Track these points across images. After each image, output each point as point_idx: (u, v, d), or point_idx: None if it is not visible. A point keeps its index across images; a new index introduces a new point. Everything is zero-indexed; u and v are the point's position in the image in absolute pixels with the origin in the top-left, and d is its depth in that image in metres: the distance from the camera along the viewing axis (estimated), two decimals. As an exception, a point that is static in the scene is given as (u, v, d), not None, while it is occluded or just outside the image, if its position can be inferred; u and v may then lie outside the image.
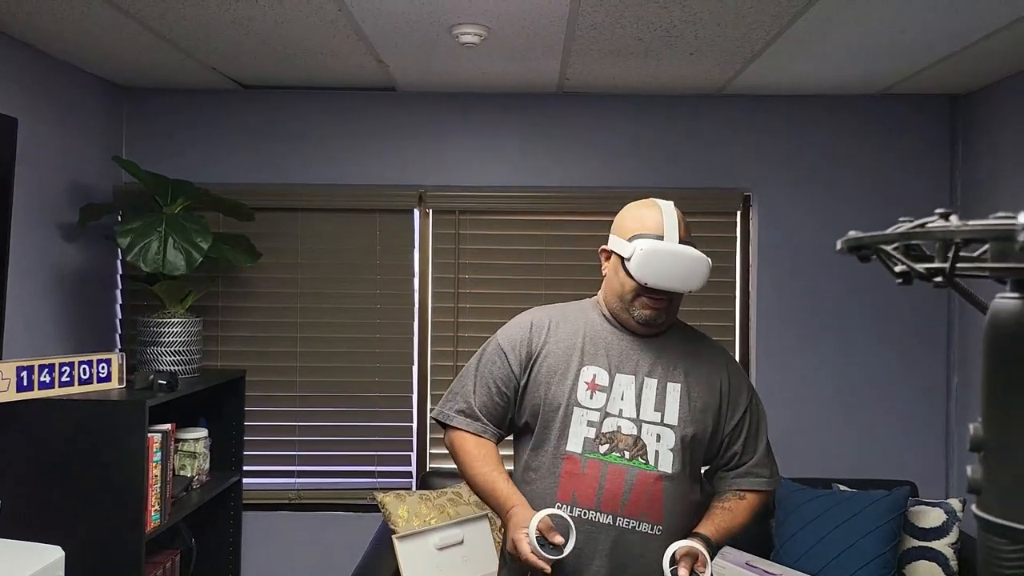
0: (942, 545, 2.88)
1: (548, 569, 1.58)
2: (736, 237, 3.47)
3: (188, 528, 3.11)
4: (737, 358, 3.33)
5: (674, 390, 1.73)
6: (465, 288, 3.52)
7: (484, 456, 1.79)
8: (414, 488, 3.46)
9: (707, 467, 1.85)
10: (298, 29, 2.62)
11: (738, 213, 3.46)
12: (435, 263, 3.52)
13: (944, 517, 2.91)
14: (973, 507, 0.51)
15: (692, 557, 1.62)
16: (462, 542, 2.94)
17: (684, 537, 1.67)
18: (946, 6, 2.34)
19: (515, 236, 3.51)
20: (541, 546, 1.58)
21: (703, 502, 1.80)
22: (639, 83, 3.24)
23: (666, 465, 1.69)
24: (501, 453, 1.84)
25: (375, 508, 3.26)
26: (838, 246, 0.58)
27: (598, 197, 3.44)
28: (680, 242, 1.69)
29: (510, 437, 1.90)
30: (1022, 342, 0.48)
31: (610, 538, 1.68)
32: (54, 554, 1.99)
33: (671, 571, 1.60)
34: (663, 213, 1.72)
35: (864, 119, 3.41)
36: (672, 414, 1.71)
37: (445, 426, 1.89)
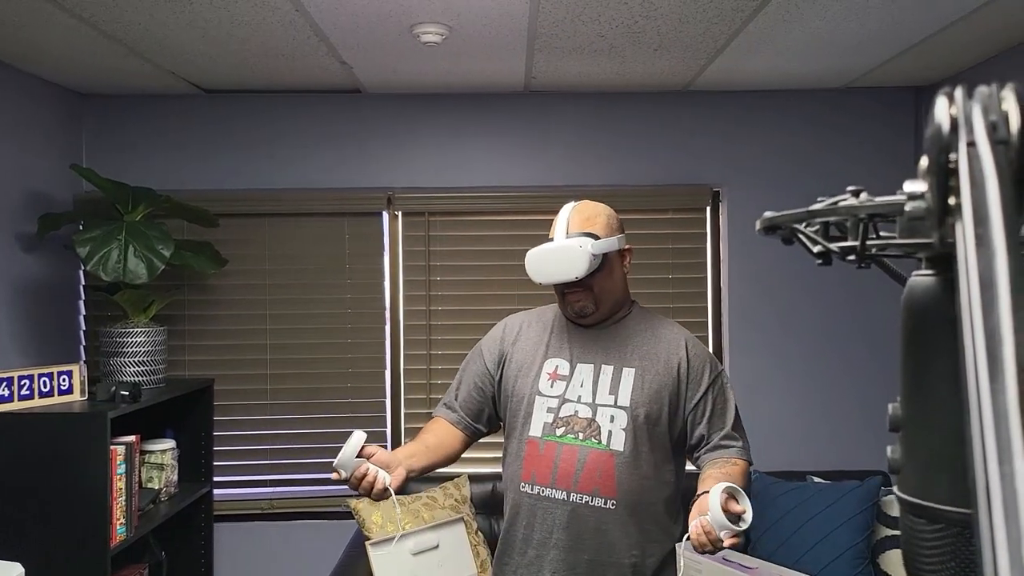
0: (916, 534, 2.89)
1: (340, 476, 1.68)
2: (706, 233, 3.47)
3: (158, 541, 3.06)
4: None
5: (628, 374, 1.83)
6: (437, 290, 3.49)
7: (425, 432, 1.95)
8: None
9: (686, 450, 1.90)
10: (256, 31, 2.59)
11: (707, 209, 3.46)
12: (406, 266, 3.49)
13: (917, 506, 2.92)
14: (894, 488, 0.50)
15: (734, 497, 1.59)
16: (437, 546, 2.91)
17: (647, 512, 1.75)
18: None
19: (486, 237, 3.49)
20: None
21: (676, 480, 1.86)
22: (605, 80, 3.24)
23: (618, 444, 1.79)
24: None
25: (348, 515, 3.23)
26: (756, 226, 0.56)
27: (569, 195, 3.33)
28: (567, 236, 1.78)
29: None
30: (936, 320, 0.46)
31: (566, 512, 1.79)
32: (13, 571, 1.95)
33: (726, 514, 1.56)
34: (558, 216, 1.85)
35: (830, 113, 3.42)
36: (625, 396, 1.81)
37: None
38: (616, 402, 1.81)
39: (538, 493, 1.82)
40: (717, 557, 2.94)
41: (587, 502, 1.78)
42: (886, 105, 3.42)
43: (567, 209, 1.86)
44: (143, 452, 2.87)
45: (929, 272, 0.48)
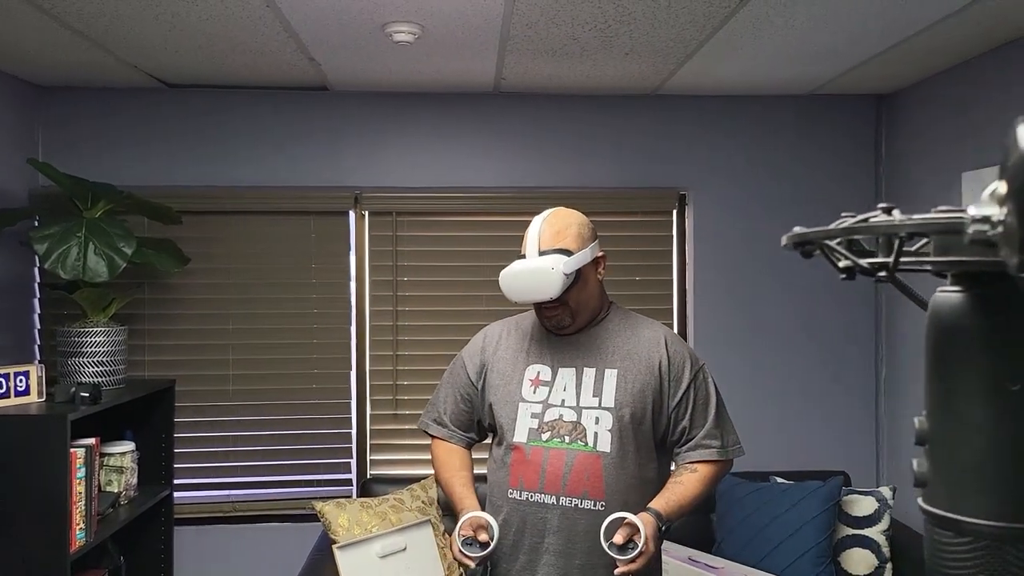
0: (875, 532, 2.96)
1: (471, 565, 1.76)
2: (673, 236, 3.50)
3: (116, 546, 2.98)
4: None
5: (611, 375, 1.85)
6: (404, 291, 3.47)
7: (448, 462, 1.99)
8: (354, 496, 3.39)
9: (668, 446, 1.93)
10: (225, 26, 2.54)
11: (674, 212, 3.50)
12: (372, 266, 3.46)
13: (876, 505, 2.99)
14: (919, 500, 0.50)
15: (631, 527, 1.70)
16: (405, 549, 2.89)
17: (635, 513, 1.76)
18: (870, 9, 2.40)
19: (454, 237, 3.47)
20: (470, 545, 1.76)
21: (659, 478, 1.88)
22: (575, 83, 3.25)
23: (604, 445, 1.80)
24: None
25: (314, 518, 3.18)
26: (783, 242, 0.57)
27: (537, 197, 3.42)
28: (540, 253, 1.79)
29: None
30: (963, 336, 0.47)
31: (556, 516, 1.80)
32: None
33: (608, 543, 1.70)
34: (529, 230, 1.86)
35: (795, 119, 3.48)
36: (609, 397, 1.82)
37: (429, 435, 2.08)
38: (600, 404, 1.82)
39: (527, 499, 1.82)
40: (683, 557, 2.98)
41: (576, 505, 1.79)
42: (849, 112, 3.49)
43: (537, 223, 1.85)
44: (102, 455, 2.79)
45: (956, 289, 0.48)
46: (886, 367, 3.48)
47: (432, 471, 3.22)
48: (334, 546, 2.78)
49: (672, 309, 3.50)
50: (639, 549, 1.67)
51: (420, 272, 3.47)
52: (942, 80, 3.08)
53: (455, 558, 1.78)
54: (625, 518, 1.71)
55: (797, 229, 0.55)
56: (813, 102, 3.47)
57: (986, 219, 0.37)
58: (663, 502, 1.79)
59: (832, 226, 0.51)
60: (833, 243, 0.51)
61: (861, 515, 2.99)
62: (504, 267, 3.38)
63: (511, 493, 1.85)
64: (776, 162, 3.47)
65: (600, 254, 1.88)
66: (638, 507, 1.79)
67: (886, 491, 3.02)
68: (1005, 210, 0.35)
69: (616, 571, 1.68)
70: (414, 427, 3.43)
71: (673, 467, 1.93)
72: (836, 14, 2.45)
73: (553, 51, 2.81)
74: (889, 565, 2.93)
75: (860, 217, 0.49)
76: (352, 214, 3.46)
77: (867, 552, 2.94)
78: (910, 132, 3.30)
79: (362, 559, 2.82)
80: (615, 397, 1.82)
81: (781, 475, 3.19)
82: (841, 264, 0.52)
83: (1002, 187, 0.35)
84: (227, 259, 3.40)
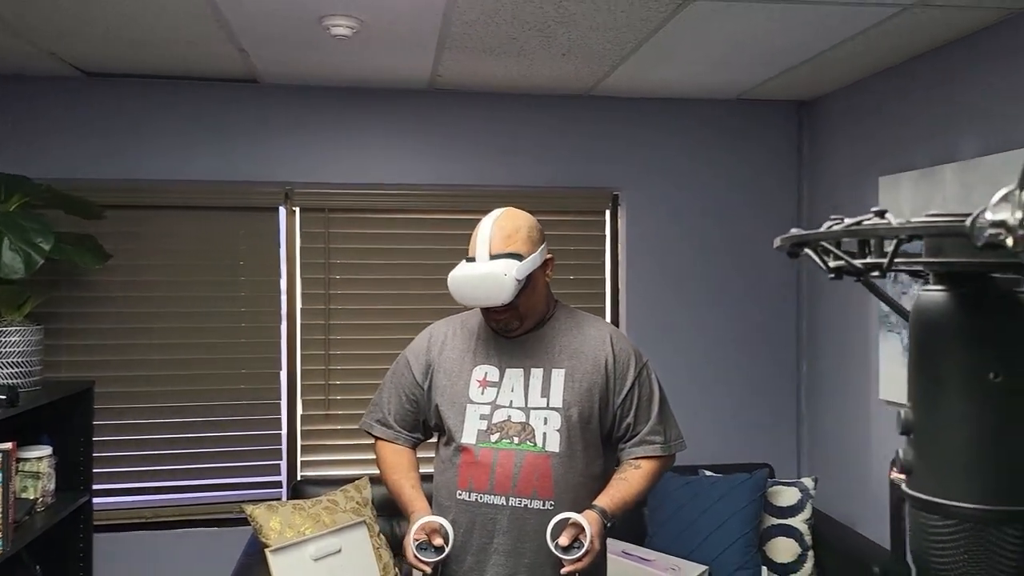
0: (797, 521, 3.07)
1: (427, 570, 1.75)
2: (606, 235, 3.56)
3: (32, 556, 2.85)
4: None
5: (558, 375, 1.85)
6: (336, 289, 3.42)
7: (396, 464, 1.96)
8: (285, 498, 3.32)
9: (612, 442, 1.95)
10: (150, 13, 2.45)
11: (607, 212, 3.55)
12: (303, 263, 3.40)
13: (799, 495, 3.11)
14: (904, 487, 0.53)
15: (576, 527, 1.72)
16: (340, 551, 2.85)
17: (582, 511, 1.77)
18: (794, 21, 2.49)
19: (388, 235, 3.44)
20: (425, 549, 1.75)
21: (605, 474, 1.90)
22: (511, 82, 3.26)
23: (553, 445, 1.81)
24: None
25: (243, 522, 3.10)
26: (776, 243, 0.59)
27: (472, 195, 3.43)
28: (491, 256, 1.77)
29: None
30: (947, 331, 0.50)
31: (506, 517, 1.80)
32: None
33: (554, 544, 1.71)
34: (479, 232, 1.82)
35: (722, 122, 3.58)
36: (557, 397, 1.83)
37: (372, 436, 2.04)
38: (549, 404, 1.82)
39: (476, 500, 1.82)
40: (617, 551, 3.03)
41: (526, 505, 1.79)
42: (773, 117, 3.61)
43: (488, 225, 1.82)
44: (18, 460, 2.66)
45: (939, 288, 0.51)
46: (807, 363, 3.62)
47: (365, 472, 3.26)
48: (267, 550, 2.72)
49: (605, 308, 3.56)
50: (585, 548, 1.69)
51: (353, 270, 3.43)
52: (859, 88, 3.22)
53: (409, 563, 1.76)
54: (570, 518, 1.72)
55: (794, 231, 0.57)
56: (740, 107, 3.58)
57: (1002, 223, 0.40)
58: (608, 499, 1.81)
59: (824, 228, 0.53)
60: (830, 244, 0.53)
61: (785, 505, 3.10)
62: (440, 265, 3.41)
63: (460, 494, 1.84)
64: (705, 164, 3.57)
65: (548, 256, 1.89)
66: (586, 504, 1.81)
67: (808, 482, 3.14)
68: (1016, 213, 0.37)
69: (563, 571, 1.70)
70: (347, 427, 3.40)
71: (617, 463, 1.96)
72: (763, 25, 2.54)
73: (491, 50, 2.82)
74: (811, 552, 3.05)
75: (853, 220, 0.51)
76: (283, 210, 3.38)
77: (791, 541, 3.06)
78: (830, 137, 3.44)
79: (296, 562, 2.77)
80: (563, 397, 1.83)
81: (710, 468, 3.28)
82: (832, 264, 0.55)
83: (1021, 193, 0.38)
84: (151, 256, 3.28)
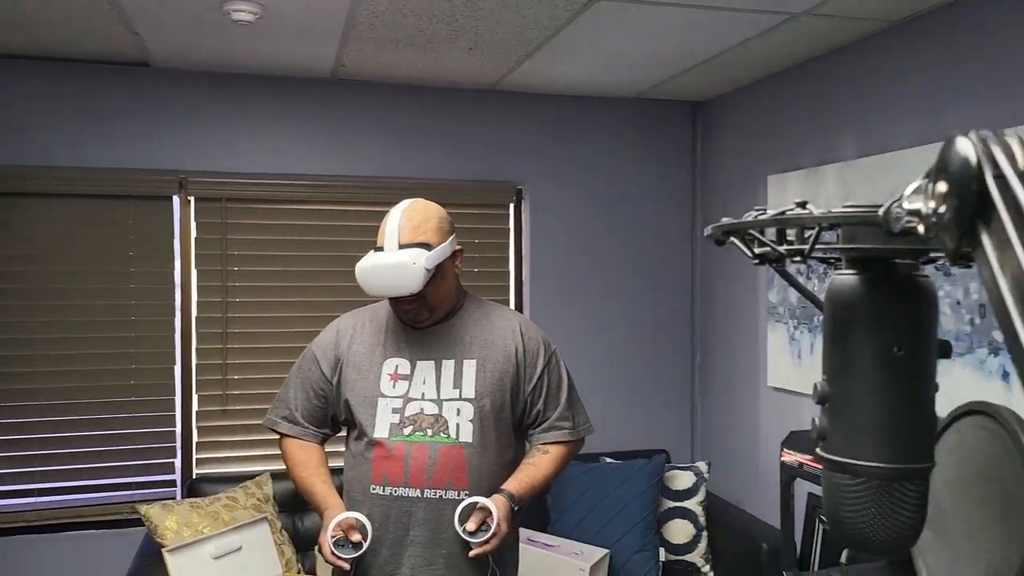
0: (693, 504, 3.22)
1: (346, 567, 1.74)
2: (510, 229, 3.61)
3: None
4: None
5: (470, 366, 1.87)
6: (234, 281, 3.33)
7: (305, 460, 1.93)
8: (180, 497, 3.22)
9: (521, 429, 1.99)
10: (39, -10, 2.33)
11: (511, 205, 3.60)
12: (199, 255, 3.29)
13: (694, 479, 3.26)
14: (818, 451, 0.59)
15: (484, 511, 1.75)
16: (241, 548, 2.79)
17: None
18: (691, 23, 2.61)
19: (289, 226, 3.38)
20: (343, 546, 1.74)
21: (518, 461, 1.93)
22: (416, 74, 3.26)
23: (467, 435, 1.83)
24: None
25: (136, 523, 3.00)
26: (707, 231, 0.63)
27: (376, 187, 3.41)
28: (400, 246, 1.76)
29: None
30: (857, 311, 0.56)
31: (422, 509, 1.81)
32: None
33: (462, 528, 1.74)
34: (388, 222, 1.81)
35: (622, 120, 3.69)
36: (469, 388, 1.85)
37: (277, 432, 2.00)
38: (461, 395, 1.84)
39: (390, 493, 1.82)
40: (523, 539, 3.09)
41: (441, 496, 1.80)
42: (669, 117, 3.75)
43: (397, 215, 1.80)
44: None
45: (851, 272, 0.57)
46: (700, 353, 3.78)
47: (265, 468, 3.19)
48: (163, 550, 2.64)
49: (509, 300, 3.61)
50: (492, 531, 1.72)
51: (252, 262, 3.34)
52: (751, 91, 3.39)
53: (327, 560, 1.75)
54: (478, 503, 1.75)
55: (725, 220, 0.62)
56: (638, 106, 3.70)
57: (916, 212, 0.45)
58: (516, 484, 1.84)
59: (755, 217, 0.58)
60: (757, 232, 0.58)
61: (681, 489, 3.24)
62: (343, 257, 3.38)
63: (374, 489, 1.83)
64: (605, 160, 3.67)
65: (458, 247, 1.89)
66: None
67: (703, 466, 3.29)
68: (944, 206, 0.43)
69: (470, 553, 1.73)
70: (245, 423, 3.32)
71: (528, 448, 2.00)
72: (662, 27, 2.64)
73: (398, 41, 2.81)
74: (705, 532, 3.20)
75: (777, 211, 0.56)
76: (177, 199, 3.27)
77: (686, 522, 3.20)
78: (722, 137, 3.61)
79: (194, 561, 2.69)
80: (475, 387, 1.85)
81: (610, 456, 3.38)
82: (756, 251, 0.60)
83: (941, 187, 0.43)
84: (34, 245, 3.11)
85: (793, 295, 3.05)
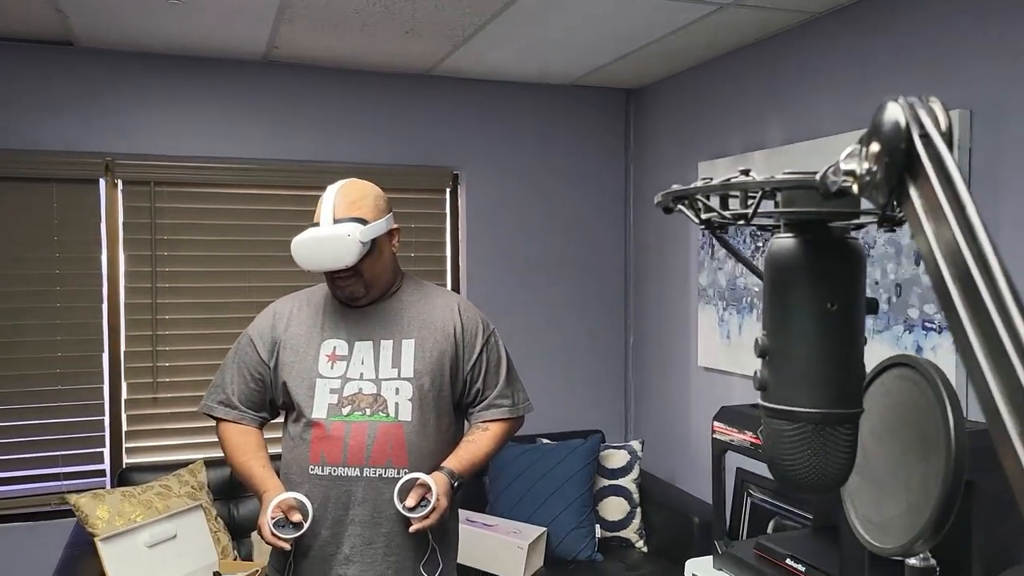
0: (627, 481, 3.31)
1: (286, 547, 1.75)
2: (447, 213, 3.63)
3: None
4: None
5: (408, 345, 1.88)
6: (164, 266, 3.26)
7: (243, 444, 1.92)
8: (109, 487, 3.15)
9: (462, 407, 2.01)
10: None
11: (448, 190, 3.62)
12: (127, 239, 3.21)
13: (628, 457, 3.35)
14: (759, 400, 0.64)
15: (423, 487, 1.78)
16: (175, 536, 2.75)
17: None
18: (626, 11, 2.67)
19: (221, 211, 3.32)
20: (283, 526, 1.75)
21: (458, 439, 1.96)
22: (352, 58, 3.24)
23: (406, 414, 1.84)
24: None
25: (62, 515, 2.93)
26: (657, 199, 0.67)
27: (310, 171, 3.38)
28: (335, 221, 1.79)
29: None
30: (795, 270, 0.61)
31: (361, 488, 1.82)
32: None
33: (401, 504, 1.76)
34: (324, 198, 1.84)
35: (557, 106, 3.74)
36: (408, 367, 1.86)
37: (214, 418, 1.98)
38: (400, 374, 1.85)
39: (329, 473, 1.82)
40: (462, 519, 3.13)
41: (380, 475, 1.81)
42: (603, 103, 3.82)
43: (332, 191, 1.83)
44: None
45: (789, 235, 0.62)
46: (633, 335, 3.88)
47: (199, 456, 3.15)
48: (97, 539, 2.58)
49: (446, 284, 3.63)
50: (431, 506, 1.75)
51: (183, 247, 3.28)
52: (682, 79, 3.48)
53: (267, 541, 1.74)
54: (417, 479, 1.78)
55: (675, 186, 0.66)
56: (573, 92, 3.75)
57: (851, 172, 0.50)
58: (455, 461, 1.87)
59: (698, 184, 0.62)
60: (702, 198, 0.62)
61: (616, 467, 3.33)
62: (277, 242, 3.34)
63: (312, 469, 1.83)
64: (540, 146, 3.72)
65: (395, 227, 1.91)
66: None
67: (636, 445, 3.39)
68: (876, 165, 0.48)
69: (410, 529, 1.75)
70: (177, 411, 3.27)
71: (467, 426, 2.04)
72: (595, 15, 2.70)
73: (333, 23, 2.79)
74: (639, 509, 3.29)
75: (726, 177, 0.61)
76: (103, 183, 3.18)
77: (621, 499, 3.29)
78: (654, 124, 3.70)
79: (128, 550, 2.64)
80: (414, 366, 1.86)
81: (546, 437, 3.45)
82: (703, 216, 0.64)
83: (874, 147, 0.48)
84: (-51, 229, 2.98)
85: (722, 278, 3.16)
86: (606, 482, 3.31)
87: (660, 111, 3.65)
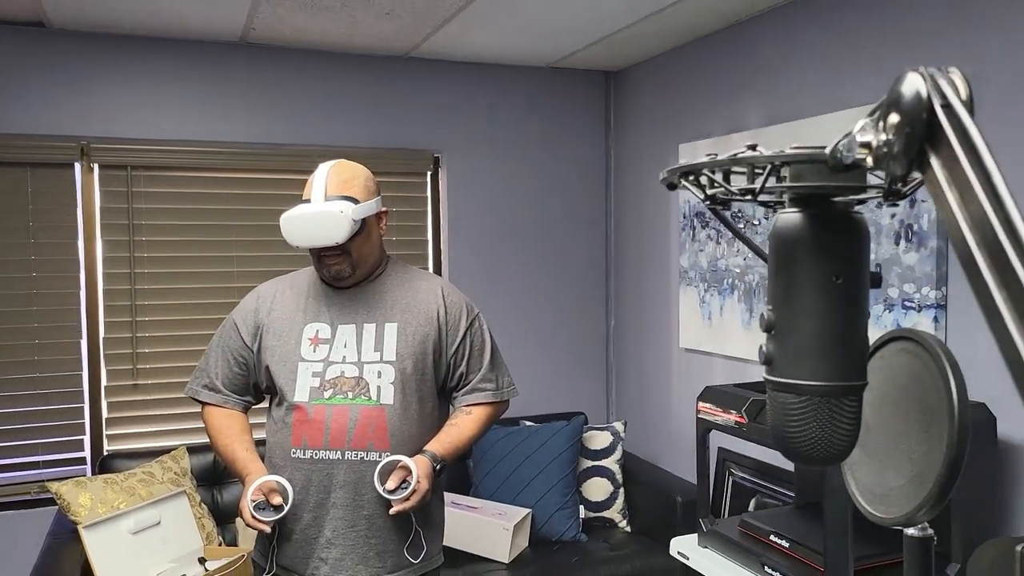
0: (610, 462, 3.34)
1: (267, 530, 1.74)
2: (427, 197, 3.61)
3: None
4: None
5: (391, 329, 1.88)
6: (142, 251, 3.22)
7: (227, 428, 1.92)
8: (90, 474, 3.12)
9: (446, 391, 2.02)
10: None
11: (428, 173, 3.60)
12: (104, 224, 3.17)
13: (611, 439, 3.37)
14: (764, 375, 0.65)
15: (404, 469, 1.78)
16: (160, 523, 2.74)
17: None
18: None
19: (200, 195, 3.29)
20: (263, 509, 1.75)
21: (440, 423, 1.96)
22: (330, 40, 3.20)
23: (388, 398, 1.84)
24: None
25: (43, 503, 2.91)
26: (663, 175, 0.68)
27: (289, 155, 3.35)
28: (327, 198, 1.78)
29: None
30: (801, 245, 0.62)
31: (342, 471, 1.82)
32: None
33: (381, 487, 1.76)
34: (315, 176, 1.84)
35: (537, 89, 3.73)
36: (391, 351, 1.86)
37: (199, 402, 1.99)
38: (382, 357, 1.85)
39: (311, 457, 1.83)
40: (447, 502, 3.14)
41: (362, 457, 1.81)
42: (583, 86, 3.82)
43: (324, 170, 1.83)
44: None
45: (794, 210, 0.63)
46: (614, 317, 3.90)
47: (181, 442, 3.13)
48: (80, 527, 2.56)
49: (428, 267, 3.62)
50: (411, 488, 1.75)
51: (161, 231, 3.24)
52: (662, 61, 3.48)
53: (248, 524, 1.74)
54: (399, 461, 1.78)
55: (682, 162, 0.66)
56: (553, 74, 3.74)
57: (866, 145, 0.51)
58: (438, 444, 1.87)
59: (708, 158, 0.63)
60: (710, 173, 0.63)
61: (599, 448, 3.36)
62: (257, 226, 3.32)
63: (294, 452, 1.83)
64: (521, 128, 3.71)
65: (383, 209, 1.92)
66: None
67: (619, 426, 3.41)
68: (896, 136, 0.48)
69: (391, 511, 1.75)
70: (158, 397, 3.24)
71: (452, 410, 2.03)
72: (583, -7, 2.69)
73: (312, 4, 2.76)
74: (621, 489, 3.32)
75: (733, 153, 0.61)
76: (78, 167, 3.13)
77: (604, 480, 3.32)
78: (635, 106, 3.70)
79: (112, 537, 2.63)
80: (396, 350, 1.86)
81: (529, 419, 3.46)
82: (708, 191, 0.65)
83: (893, 118, 0.49)
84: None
85: (704, 259, 3.18)
86: (589, 463, 3.34)
87: (640, 93, 3.65)
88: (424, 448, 1.85)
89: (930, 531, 0.74)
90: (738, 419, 2.15)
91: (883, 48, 2.42)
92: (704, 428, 2.28)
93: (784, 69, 2.80)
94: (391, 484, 1.76)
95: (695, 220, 3.24)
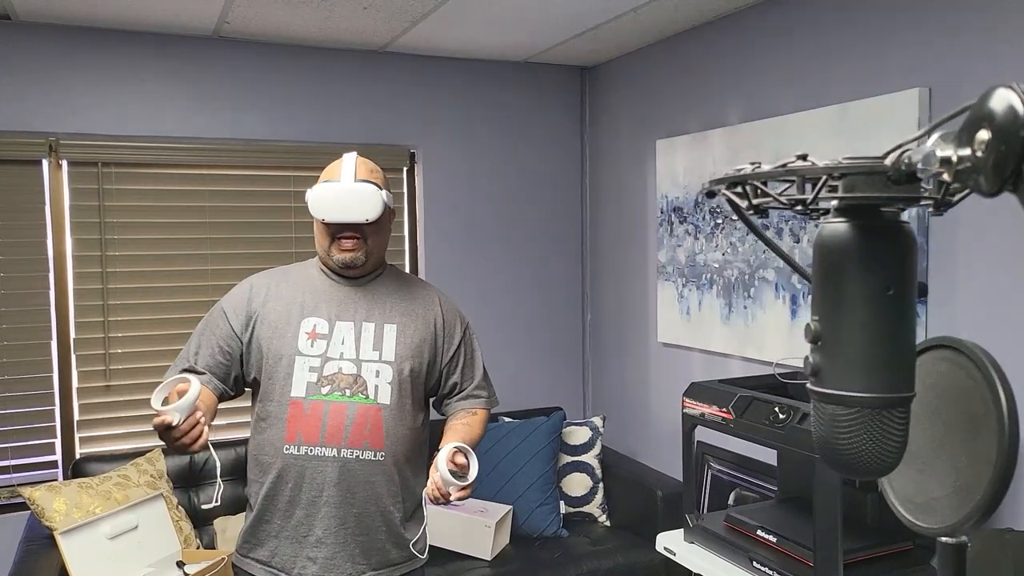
0: (589, 457, 3.35)
1: (173, 422, 1.55)
2: (404, 192, 3.58)
3: None
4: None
5: (391, 329, 1.88)
6: (114, 250, 3.14)
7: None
8: (61, 479, 3.05)
9: (435, 399, 2.02)
10: None
11: (404, 169, 3.57)
12: (74, 223, 3.09)
13: (590, 434, 3.39)
14: (809, 386, 0.65)
15: (463, 456, 1.74)
16: (137, 527, 2.68)
17: (407, 461, 1.86)
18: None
19: (172, 192, 3.22)
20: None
21: (424, 428, 1.96)
22: (306, 34, 3.15)
23: (385, 397, 1.84)
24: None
25: (17, 507, 2.83)
26: (706, 184, 0.67)
27: (264, 151, 3.30)
28: (356, 181, 1.82)
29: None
30: (848, 255, 0.62)
31: (336, 468, 1.81)
32: None
33: (448, 467, 1.69)
34: (344, 161, 1.87)
35: (512, 84, 3.72)
36: (390, 351, 1.86)
37: None
38: (381, 357, 1.85)
39: (305, 453, 1.81)
40: (426, 500, 3.13)
41: (357, 456, 1.81)
42: (558, 81, 3.81)
43: (351, 156, 1.86)
44: None
45: (841, 220, 0.63)
46: (591, 312, 3.91)
47: (156, 444, 3.06)
48: (56, 533, 2.50)
49: (404, 263, 3.59)
50: (471, 479, 1.72)
51: (133, 230, 3.17)
52: (638, 57, 3.49)
53: (153, 424, 1.56)
54: (464, 449, 1.73)
55: (729, 172, 0.66)
56: (528, 70, 3.73)
57: (947, 160, 0.51)
58: (469, 440, 1.85)
59: (755, 170, 0.63)
60: (760, 184, 0.63)
61: (578, 443, 3.37)
62: (233, 223, 3.26)
63: (287, 448, 1.81)
64: (496, 123, 3.70)
65: (393, 207, 1.94)
66: (411, 455, 1.87)
67: (598, 421, 3.43)
68: (986, 153, 0.48)
69: (453, 497, 1.71)
70: (131, 398, 3.17)
71: (448, 415, 2.01)
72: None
73: (291, -2, 2.71)
74: (601, 484, 3.34)
75: (782, 162, 0.61)
76: (46, 164, 3.04)
77: (583, 475, 3.33)
78: (610, 102, 3.71)
79: (90, 543, 2.57)
80: (396, 351, 1.86)
81: (509, 415, 3.46)
82: (755, 202, 0.65)
83: (983, 135, 0.49)
84: None
85: (682, 255, 3.21)
86: (569, 458, 3.35)
87: (616, 89, 3.66)
88: (457, 443, 1.78)
89: (964, 538, 0.75)
90: (724, 415, 2.17)
91: (862, 44, 2.45)
92: (690, 424, 2.30)
93: (762, 66, 2.83)
94: (458, 464, 1.70)
95: (673, 215, 3.25)
